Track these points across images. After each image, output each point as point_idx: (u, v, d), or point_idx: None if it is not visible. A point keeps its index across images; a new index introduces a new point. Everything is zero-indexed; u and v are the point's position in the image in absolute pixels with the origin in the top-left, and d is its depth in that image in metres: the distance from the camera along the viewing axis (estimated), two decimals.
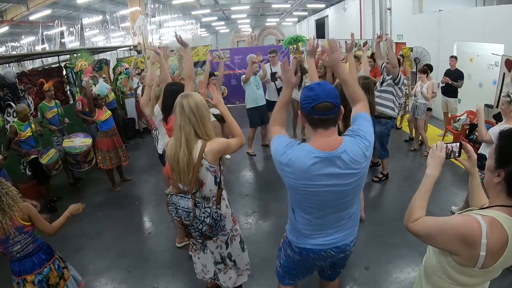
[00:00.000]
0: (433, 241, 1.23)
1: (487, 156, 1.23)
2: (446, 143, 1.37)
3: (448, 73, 5.61)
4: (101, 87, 5.30)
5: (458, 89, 5.53)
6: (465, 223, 1.13)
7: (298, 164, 1.40)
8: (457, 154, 1.38)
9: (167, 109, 2.79)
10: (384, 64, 4.27)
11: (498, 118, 4.42)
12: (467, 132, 4.88)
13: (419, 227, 1.24)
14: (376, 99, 3.98)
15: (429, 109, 5.35)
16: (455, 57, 5.62)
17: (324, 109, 1.37)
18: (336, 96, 1.39)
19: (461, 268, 1.18)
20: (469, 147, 1.39)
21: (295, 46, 6.31)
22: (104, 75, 6.86)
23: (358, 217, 1.68)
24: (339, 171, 1.40)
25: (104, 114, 4.46)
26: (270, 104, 5.60)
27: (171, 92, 2.68)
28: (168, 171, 3.03)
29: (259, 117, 5.39)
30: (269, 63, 5.65)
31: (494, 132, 2.93)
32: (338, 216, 1.56)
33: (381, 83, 4.14)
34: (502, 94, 3.36)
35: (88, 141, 4.54)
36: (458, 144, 1.37)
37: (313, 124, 1.43)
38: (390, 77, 4.05)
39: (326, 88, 1.39)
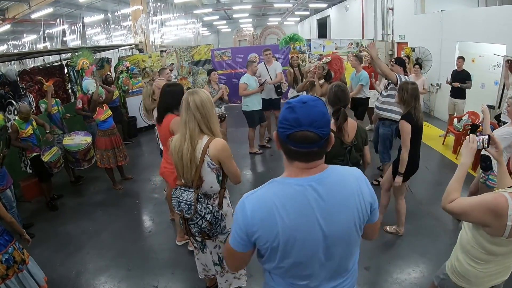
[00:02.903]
0: (468, 217, 1.45)
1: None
2: (477, 136, 1.61)
3: (455, 74, 5.53)
4: (85, 85, 4.89)
5: (466, 90, 5.47)
6: (493, 198, 1.36)
7: (262, 206, 1.02)
8: (486, 145, 1.60)
9: (162, 110, 2.74)
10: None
11: (498, 119, 4.41)
12: (469, 132, 4.86)
13: (456, 206, 1.47)
14: (382, 105, 4.01)
15: None
16: (462, 58, 5.51)
17: (304, 141, 0.96)
18: (325, 123, 0.97)
19: (492, 238, 1.41)
20: (496, 139, 1.61)
21: (296, 46, 6.21)
22: (109, 72, 6.84)
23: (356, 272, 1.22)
24: (321, 202, 1.01)
25: (104, 114, 4.42)
26: (267, 103, 5.55)
27: (168, 94, 2.68)
28: (163, 174, 3.01)
29: (258, 117, 5.38)
30: (263, 62, 5.55)
31: (498, 134, 2.90)
32: (334, 276, 1.11)
33: (386, 88, 4.13)
34: (508, 96, 3.36)
35: (88, 139, 4.53)
36: (487, 136, 1.60)
37: (288, 155, 1.04)
38: (391, 82, 4.04)
39: (313, 111, 0.97)
